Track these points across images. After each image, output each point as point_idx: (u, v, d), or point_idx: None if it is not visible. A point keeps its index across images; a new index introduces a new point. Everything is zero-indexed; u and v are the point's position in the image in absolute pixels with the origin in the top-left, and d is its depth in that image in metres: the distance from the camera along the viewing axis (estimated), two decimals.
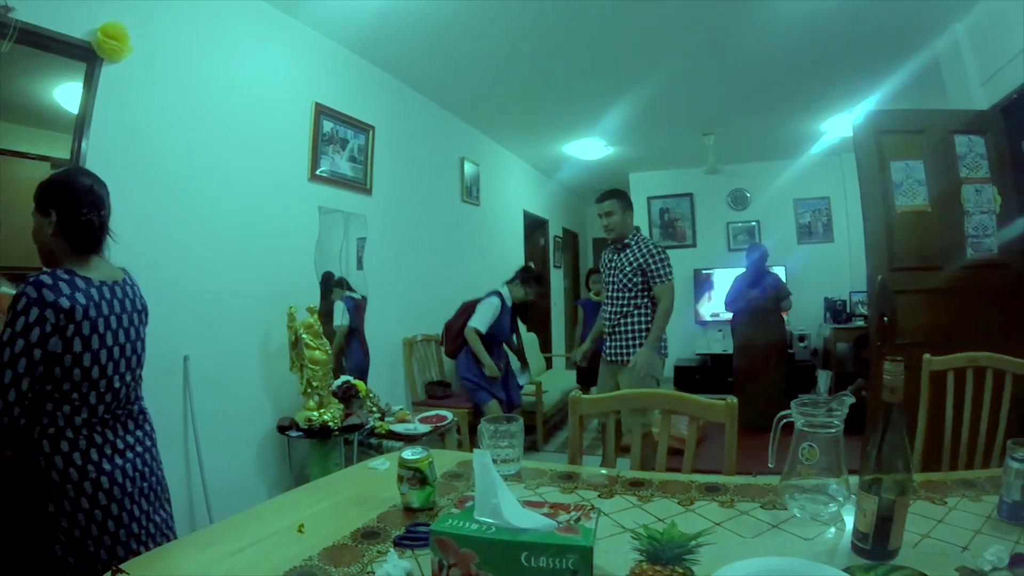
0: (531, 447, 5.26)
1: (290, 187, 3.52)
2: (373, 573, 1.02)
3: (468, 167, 5.91)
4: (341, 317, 3.89)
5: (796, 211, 7.79)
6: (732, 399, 1.62)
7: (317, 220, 3.69)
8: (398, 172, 4.59)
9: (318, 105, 3.68)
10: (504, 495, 0.99)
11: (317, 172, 3.68)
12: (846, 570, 0.95)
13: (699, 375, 7.24)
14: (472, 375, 4.48)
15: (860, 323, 6.69)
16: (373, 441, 3.42)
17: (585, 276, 6.83)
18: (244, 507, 1.38)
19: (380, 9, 3.47)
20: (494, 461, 1.37)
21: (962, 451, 2.02)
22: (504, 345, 4.79)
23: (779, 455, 1.30)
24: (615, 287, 3.61)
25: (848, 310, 7.12)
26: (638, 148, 7.10)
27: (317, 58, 3.78)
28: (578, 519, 0.97)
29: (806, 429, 1.21)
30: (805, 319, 7.19)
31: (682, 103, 5.43)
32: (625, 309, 3.56)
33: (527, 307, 4.94)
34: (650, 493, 1.39)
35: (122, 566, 1.04)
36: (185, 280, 2.82)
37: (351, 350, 3.96)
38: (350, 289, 4.00)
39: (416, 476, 1.29)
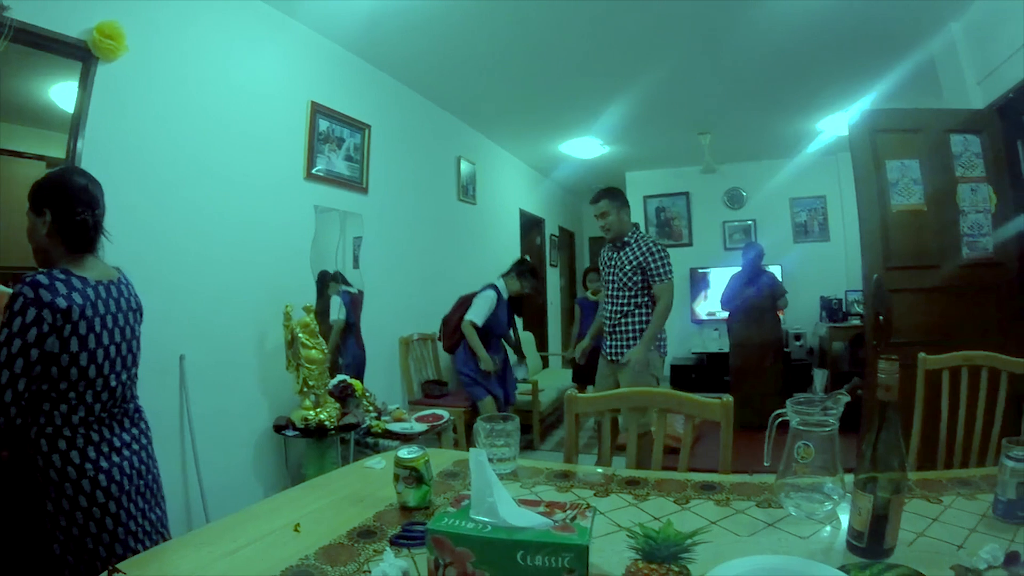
0: (527, 446, 5.26)
1: (286, 186, 3.52)
2: (369, 572, 1.02)
3: (464, 166, 5.90)
4: (338, 312, 3.88)
5: (792, 210, 7.81)
6: (728, 398, 1.63)
7: (313, 219, 3.68)
8: (394, 171, 4.58)
9: (314, 104, 3.67)
10: (500, 494, 0.99)
11: (313, 171, 3.67)
12: (842, 568, 0.95)
13: (695, 374, 7.26)
14: (469, 370, 4.48)
15: (856, 322, 6.70)
16: (369, 440, 3.42)
17: (582, 275, 6.82)
18: (240, 507, 1.38)
19: (376, 8, 3.46)
20: (490, 460, 1.37)
21: (957, 449, 2.02)
22: (502, 340, 4.79)
23: (775, 454, 1.30)
24: (615, 286, 3.59)
25: (844, 309, 7.13)
26: (634, 147, 7.10)
27: (313, 57, 3.77)
28: (574, 518, 0.97)
29: (801, 428, 1.21)
30: (801, 318, 7.21)
31: (678, 102, 5.43)
32: (625, 308, 3.54)
33: (523, 300, 4.93)
34: (646, 492, 1.40)
35: (118, 566, 1.04)
36: (181, 279, 2.81)
37: (347, 346, 3.95)
38: (346, 284, 3.99)
39: (412, 475, 1.30)
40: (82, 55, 2.37)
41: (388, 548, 1.10)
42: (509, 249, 7.24)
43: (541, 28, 3.82)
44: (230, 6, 3.13)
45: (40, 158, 2.30)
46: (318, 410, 3.10)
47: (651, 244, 3.49)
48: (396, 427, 3.47)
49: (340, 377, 3.38)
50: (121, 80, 2.52)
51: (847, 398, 1.22)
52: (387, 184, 4.44)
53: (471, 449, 1.11)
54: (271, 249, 3.37)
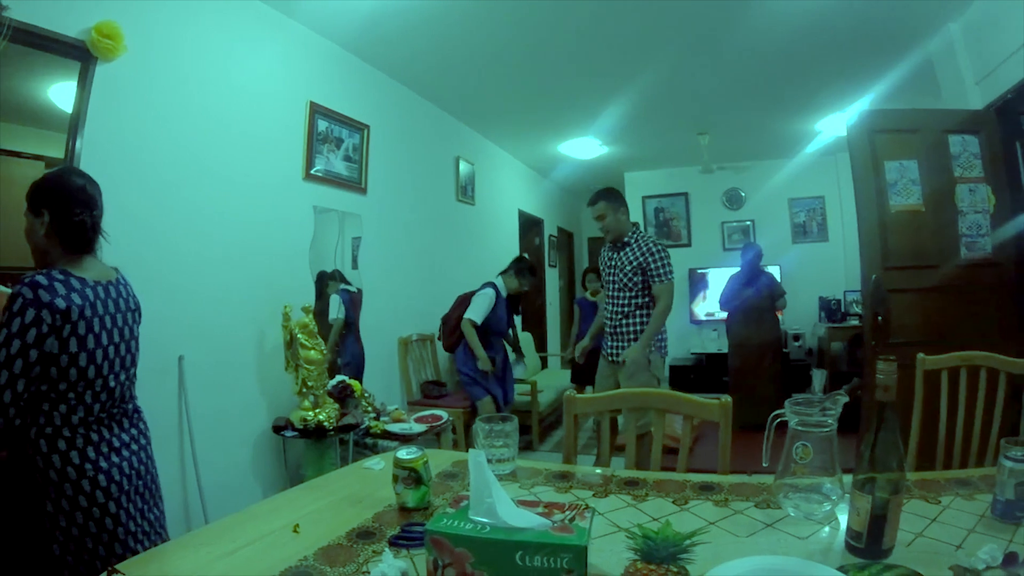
0: (526, 447, 5.26)
1: (285, 186, 3.51)
2: (368, 573, 1.02)
3: (463, 166, 5.91)
4: (337, 311, 3.88)
5: (791, 210, 7.81)
6: (726, 398, 1.63)
7: (312, 219, 3.68)
8: (393, 171, 4.58)
9: (313, 104, 3.67)
10: (499, 494, 0.99)
11: (312, 171, 3.67)
12: (840, 569, 0.95)
13: (694, 374, 7.26)
14: (469, 369, 4.48)
15: (855, 322, 6.70)
16: (368, 441, 3.42)
17: (581, 275, 6.82)
18: (239, 507, 1.38)
19: (375, 8, 3.46)
20: (489, 461, 1.37)
21: (956, 450, 2.03)
22: (502, 339, 4.79)
23: (773, 454, 1.30)
24: (615, 287, 3.56)
25: (843, 309, 7.13)
26: (633, 147, 7.10)
27: (312, 57, 3.77)
28: (573, 518, 0.97)
29: (800, 428, 1.21)
30: (800, 318, 7.21)
31: (677, 102, 5.43)
32: (626, 309, 3.51)
33: (521, 298, 4.94)
34: (645, 492, 1.40)
35: (117, 567, 1.05)
36: (180, 280, 2.81)
37: (347, 345, 3.95)
38: (345, 282, 3.99)
39: (411, 476, 1.29)
40: (81, 55, 2.37)
41: (387, 549, 1.10)
42: (508, 250, 7.24)
43: (540, 28, 3.82)
44: (229, 6, 3.13)
45: (39, 158, 2.30)
46: (317, 411, 3.10)
47: (651, 244, 3.46)
48: (395, 428, 3.47)
49: (339, 378, 3.38)
50: (120, 80, 2.52)
51: (845, 398, 1.22)
52: (386, 184, 4.44)
53: (470, 450, 1.12)
54: (270, 249, 3.37)
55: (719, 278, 6.99)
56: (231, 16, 3.15)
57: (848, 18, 3.65)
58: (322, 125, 3.77)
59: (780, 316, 5.92)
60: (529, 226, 8.33)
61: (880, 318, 3.31)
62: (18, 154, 2.26)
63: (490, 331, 4.56)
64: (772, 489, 1.30)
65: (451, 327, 4.62)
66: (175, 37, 2.81)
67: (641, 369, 3.41)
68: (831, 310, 7.11)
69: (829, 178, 7.40)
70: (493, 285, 4.56)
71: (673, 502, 1.33)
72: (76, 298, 1.54)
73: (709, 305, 7.66)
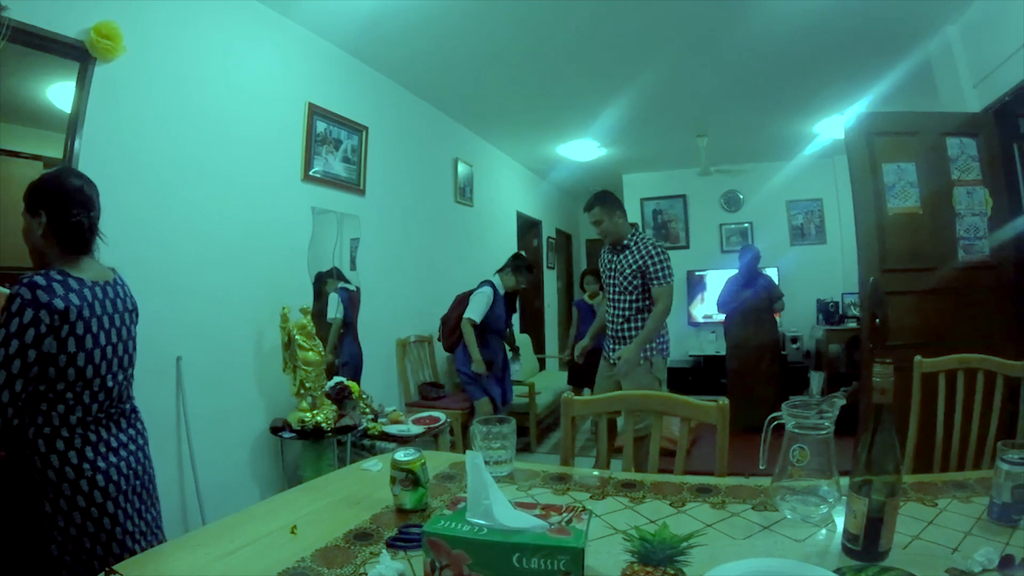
0: (524, 448, 5.26)
1: (283, 187, 3.51)
2: (366, 574, 1.02)
3: (462, 168, 5.91)
4: (336, 309, 3.87)
5: (789, 213, 7.82)
6: (724, 401, 1.63)
7: (310, 220, 3.68)
8: (391, 173, 4.58)
9: (311, 105, 3.67)
10: (496, 496, 0.99)
11: (310, 172, 3.67)
12: (836, 571, 0.95)
13: (692, 376, 7.28)
14: (468, 369, 4.48)
15: (852, 325, 6.72)
16: (366, 442, 3.42)
17: (579, 277, 6.82)
18: (237, 508, 1.38)
19: (373, 9, 3.46)
20: (486, 462, 1.37)
21: (953, 453, 2.03)
22: (501, 338, 4.79)
23: (770, 457, 1.30)
24: (616, 290, 3.52)
25: (840, 311, 7.14)
26: (631, 149, 7.11)
27: (310, 58, 3.77)
28: (570, 520, 0.97)
29: (797, 431, 1.21)
30: (798, 321, 7.22)
31: (676, 103, 5.44)
32: (627, 313, 3.48)
33: (518, 296, 4.94)
34: (642, 494, 1.40)
35: (115, 567, 1.05)
36: (178, 281, 2.81)
37: (345, 345, 3.95)
38: (344, 280, 3.99)
39: (409, 477, 1.30)
40: (80, 55, 2.37)
41: (384, 550, 1.10)
42: (506, 251, 7.19)
43: (539, 29, 3.82)
44: (227, 7, 3.13)
45: (37, 158, 2.30)
46: (315, 412, 3.09)
47: (650, 246, 3.42)
48: (393, 429, 3.47)
49: (337, 379, 3.38)
50: (118, 80, 2.52)
51: (842, 401, 1.22)
52: (384, 186, 4.44)
53: (467, 451, 1.12)
54: (268, 250, 3.37)
55: (717, 280, 6.99)
56: (230, 17, 3.15)
57: (847, 19, 3.65)
58: (320, 126, 3.77)
59: (778, 318, 5.92)
60: (527, 228, 8.34)
61: (878, 320, 3.31)
62: (17, 154, 2.26)
63: (488, 329, 4.56)
64: (769, 491, 1.30)
65: (451, 327, 4.62)
66: (174, 38, 2.81)
67: (634, 368, 3.39)
68: (829, 312, 7.12)
69: (827, 180, 7.41)
70: (491, 283, 4.57)
71: (670, 504, 1.33)
72: (74, 298, 1.54)
73: (707, 307, 7.67)
